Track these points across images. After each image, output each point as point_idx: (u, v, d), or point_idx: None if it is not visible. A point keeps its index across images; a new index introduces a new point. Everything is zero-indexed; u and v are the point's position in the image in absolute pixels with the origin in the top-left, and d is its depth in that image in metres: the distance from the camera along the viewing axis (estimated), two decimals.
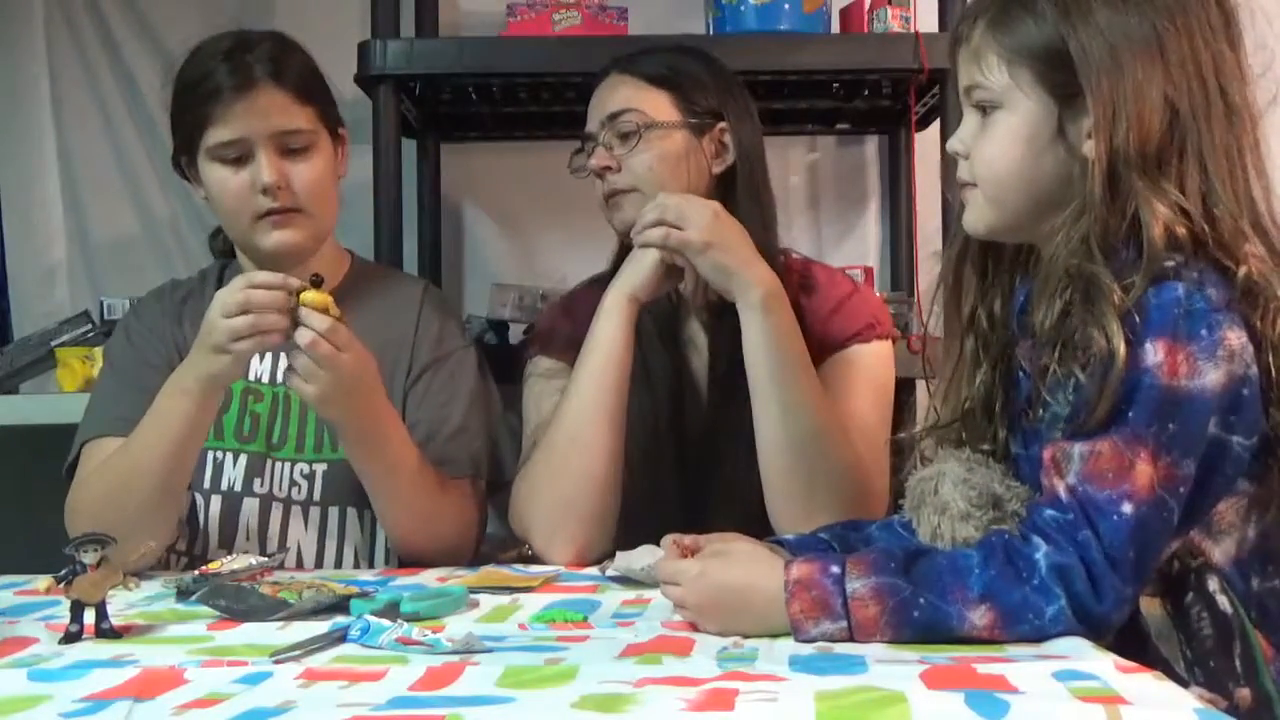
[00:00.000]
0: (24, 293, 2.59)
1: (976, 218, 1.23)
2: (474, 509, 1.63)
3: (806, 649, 1.06)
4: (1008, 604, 1.05)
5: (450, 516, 1.60)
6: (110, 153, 2.60)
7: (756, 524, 1.51)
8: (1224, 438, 1.09)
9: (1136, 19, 1.13)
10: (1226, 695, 1.10)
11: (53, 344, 2.25)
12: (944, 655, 1.02)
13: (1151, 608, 1.12)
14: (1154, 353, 1.07)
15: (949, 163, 1.27)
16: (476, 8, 2.56)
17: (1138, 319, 1.07)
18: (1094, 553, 1.05)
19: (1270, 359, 1.11)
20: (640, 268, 1.56)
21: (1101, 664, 0.97)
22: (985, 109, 1.20)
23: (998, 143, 1.19)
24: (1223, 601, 1.11)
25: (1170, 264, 1.09)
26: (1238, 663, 1.10)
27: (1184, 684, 1.08)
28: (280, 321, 1.41)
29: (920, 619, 1.06)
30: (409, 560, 1.60)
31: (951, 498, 1.19)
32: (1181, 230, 1.11)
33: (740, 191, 1.66)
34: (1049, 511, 1.09)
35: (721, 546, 1.21)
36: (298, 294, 1.42)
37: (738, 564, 1.17)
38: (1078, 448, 1.09)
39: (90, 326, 2.28)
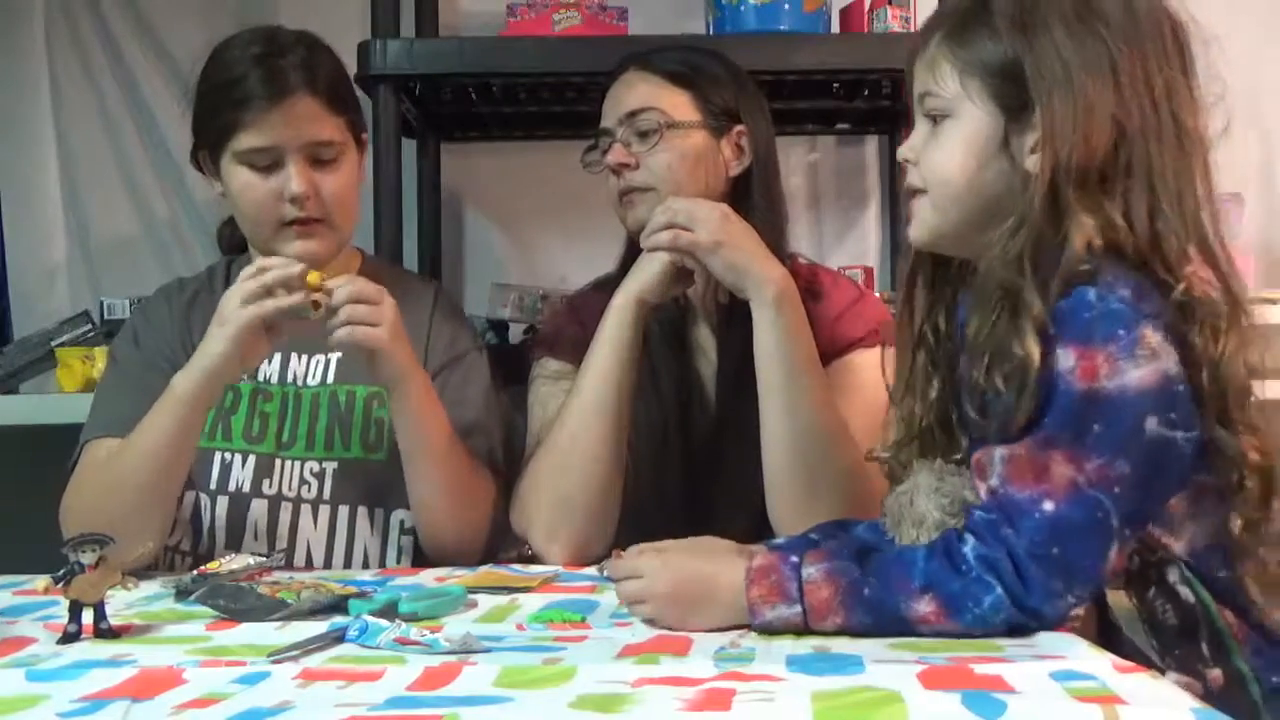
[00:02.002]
0: (24, 293, 2.59)
1: (921, 225, 1.26)
2: (494, 501, 1.63)
3: (804, 649, 1.06)
4: (948, 593, 1.08)
5: (479, 499, 1.61)
6: (110, 153, 2.60)
7: (761, 526, 1.51)
8: (1167, 435, 1.10)
9: (1091, 41, 1.16)
10: (1200, 678, 1.13)
11: (53, 344, 2.25)
12: (941, 655, 1.02)
13: (1118, 601, 1.15)
14: (1066, 358, 1.09)
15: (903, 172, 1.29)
16: (476, 8, 2.56)
17: (1052, 327, 1.10)
18: (1017, 549, 1.08)
19: (1203, 376, 1.12)
20: (649, 271, 1.56)
21: (1099, 664, 0.97)
22: (936, 118, 1.23)
23: (945, 150, 1.22)
24: (1185, 593, 1.14)
25: (1085, 267, 1.11)
26: (1205, 647, 1.13)
27: (1161, 671, 1.10)
28: (292, 289, 1.43)
29: (871, 598, 1.09)
30: (432, 548, 1.61)
31: (927, 509, 1.22)
32: (1101, 242, 1.12)
33: (755, 195, 1.66)
34: (979, 513, 1.13)
35: (679, 541, 1.25)
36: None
37: (700, 555, 1.21)
38: (998, 452, 1.12)
39: (90, 326, 2.28)
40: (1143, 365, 1.08)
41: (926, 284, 1.31)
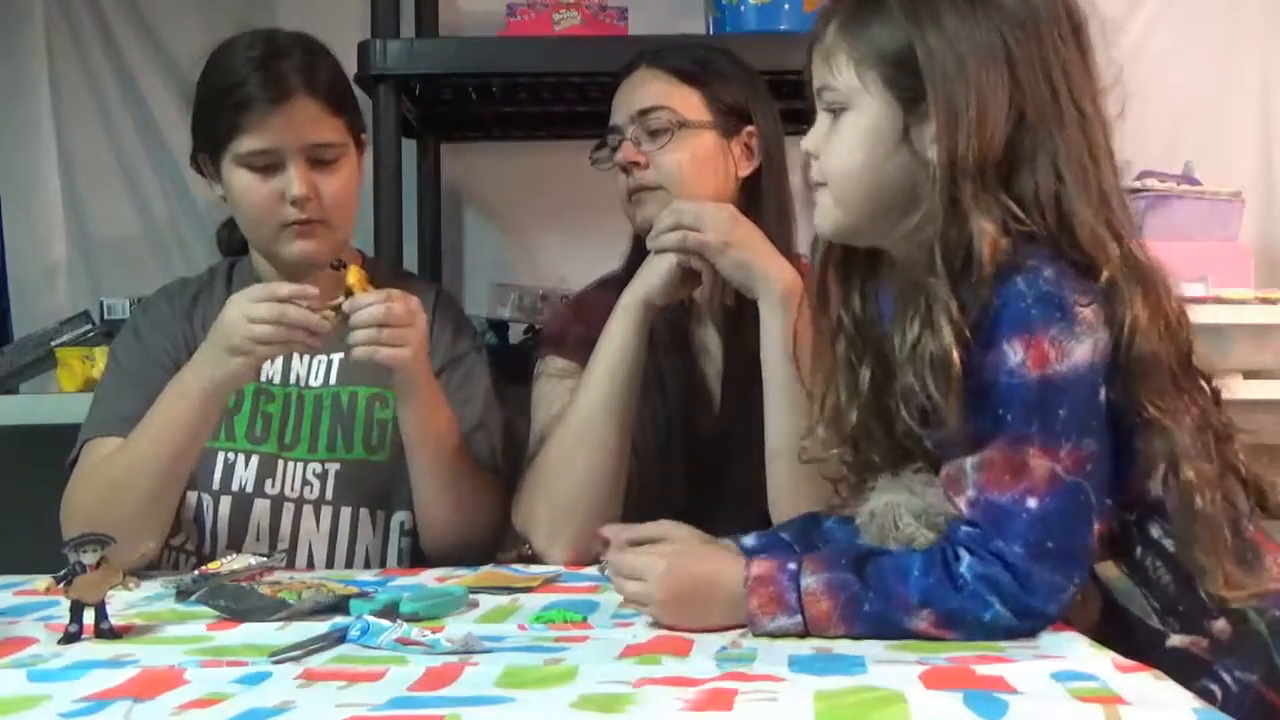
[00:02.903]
0: (24, 293, 2.58)
1: (825, 218, 1.24)
2: (499, 502, 1.64)
3: (806, 649, 1.06)
4: (946, 609, 1.08)
5: (483, 501, 1.61)
6: (110, 153, 2.60)
7: (765, 527, 1.51)
8: (1112, 397, 1.10)
9: (984, 26, 1.13)
10: (1205, 633, 1.12)
11: (53, 344, 2.25)
12: (942, 656, 1.02)
13: (1108, 571, 1.14)
14: (1012, 353, 1.08)
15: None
16: (476, 8, 2.56)
17: (990, 325, 1.08)
18: (1011, 556, 1.07)
19: (1121, 350, 1.10)
20: (655, 273, 1.56)
21: (1100, 664, 0.97)
22: (835, 110, 1.21)
23: (844, 143, 1.20)
24: (1170, 544, 1.13)
25: (1004, 259, 1.09)
26: (1204, 596, 1.12)
27: (1162, 636, 1.11)
28: (306, 337, 1.44)
29: (871, 613, 1.09)
30: (434, 550, 1.61)
31: (917, 530, 1.18)
32: (1007, 239, 1.10)
33: (765, 196, 1.66)
34: (964, 528, 1.11)
35: (678, 544, 1.25)
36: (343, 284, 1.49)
37: (701, 559, 1.20)
38: (969, 461, 1.10)
39: (90, 326, 2.28)
40: (1084, 340, 1.08)
41: (838, 272, 1.29)
